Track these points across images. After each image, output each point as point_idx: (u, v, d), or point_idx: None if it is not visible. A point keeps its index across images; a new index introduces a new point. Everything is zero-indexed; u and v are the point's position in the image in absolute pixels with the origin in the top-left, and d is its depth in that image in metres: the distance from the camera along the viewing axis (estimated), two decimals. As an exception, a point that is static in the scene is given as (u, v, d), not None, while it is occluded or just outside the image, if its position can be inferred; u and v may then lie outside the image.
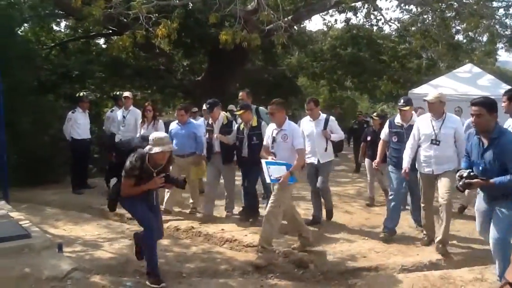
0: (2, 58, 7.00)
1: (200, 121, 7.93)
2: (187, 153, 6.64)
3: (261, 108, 6.90)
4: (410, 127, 5.46)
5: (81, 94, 9.10)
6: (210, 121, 6.58)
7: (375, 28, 18.21)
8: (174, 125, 6.93)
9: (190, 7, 12.79)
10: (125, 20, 10.22)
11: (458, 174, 3.95)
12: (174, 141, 6.51)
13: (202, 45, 14.72)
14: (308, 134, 6.08)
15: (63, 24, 16.65)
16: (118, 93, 8.88)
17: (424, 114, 5.57)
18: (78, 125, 8.41)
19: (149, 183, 4.15)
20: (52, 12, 13.62)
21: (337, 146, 6.72)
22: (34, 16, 11.74)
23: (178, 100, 18.90)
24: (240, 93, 7.00)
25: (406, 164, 5.25)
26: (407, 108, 5.68)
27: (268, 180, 5.10)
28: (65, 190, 8.39)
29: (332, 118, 6.24)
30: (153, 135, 4.15)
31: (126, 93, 8.51)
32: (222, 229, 6.01)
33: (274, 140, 5.26)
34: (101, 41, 17.64)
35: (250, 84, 18.28)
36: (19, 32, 11.06)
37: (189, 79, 15.83)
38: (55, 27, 16.45)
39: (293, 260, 5.00)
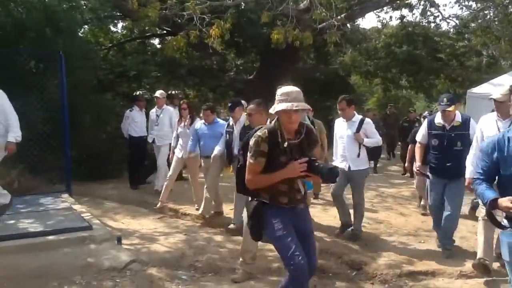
0: (65, 59, 7.33)
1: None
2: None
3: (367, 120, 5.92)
4: (454, 128, 4.86)
5: (138, 93, 9.40)
6: (231, 122, 6.09)
7: (432, 25, 17.63)
8: (199, 125, 6.67)
9: (243, 7, 12.89)
10: (179, 20, 10.48)
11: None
12: (201, 142, 6.55)
13: (254, 44, 14.81)
14: (340, 136, 5.62)
15: (120, 25, 17.23)
16: (138, 93, 9.05)
17: (488, 114, 4.90)
18: (135, 123, 8.70)
19: (286, 168, 2.94)
20: (110, 14, 14.13)
21: (373, 153, 5.71)
22: (94, 18, 12.20)
23: (229, 99, 19.14)
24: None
25: (469, 174, 4.41)
26: (451, 108, 4.88)
27: None
28: (123, 185, 8.71)
29: (368, 120, 5.58)
30: (280, 90, 3.16)
31: (157, 93, 8.46)
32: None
33: None
34: (156, 41, 18.13)
35: (301, 83, 18.22)
36: (79, 33, 11.54)
37: (241, 78, 15.95)
38: (112, 28, 17.06)
39: (346, 261, 4.96)
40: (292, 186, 3.06)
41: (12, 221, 5.20)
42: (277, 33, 8.87)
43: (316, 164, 2.93)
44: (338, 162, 5.51)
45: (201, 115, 7.19)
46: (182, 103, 7.32)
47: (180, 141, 7.03)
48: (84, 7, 11.21)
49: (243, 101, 6.60)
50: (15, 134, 5.00)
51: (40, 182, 7.67)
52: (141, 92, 10.19)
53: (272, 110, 3.08)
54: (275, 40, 8.92)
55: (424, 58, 18.10)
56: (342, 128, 5.62)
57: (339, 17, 11.00)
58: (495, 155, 2.79)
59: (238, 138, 5.53)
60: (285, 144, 2.98)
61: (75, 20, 9.93)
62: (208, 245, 5.36)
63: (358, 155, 5.44)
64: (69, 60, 7.71)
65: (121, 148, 9.67)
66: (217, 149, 6.15)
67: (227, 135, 6.03)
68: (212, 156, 6.17)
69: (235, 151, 5.62)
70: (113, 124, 10.23)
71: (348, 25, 13.90)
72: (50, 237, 4.72)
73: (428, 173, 5.20)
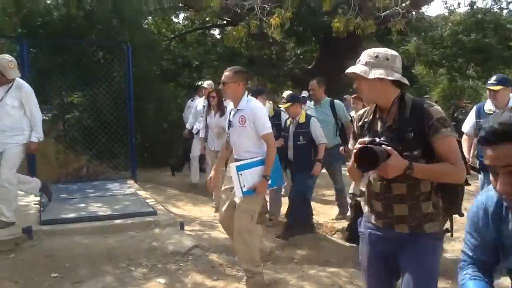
0: (131, 50, 7.58)
1: None
2: None
3: (336, 101, 5.97)
4: None
5: (200, 83, 9.54)
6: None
7: (504, 11, 16.61)
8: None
9: (303, -4, 12.75)
10: (240, 10, 10.55)
11: None
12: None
13: (314, 33, 14.63)
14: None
15: (181, 16, 17.60)
16: (200, 83, 9.12)
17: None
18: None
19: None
20: (173, 5, 14.46)
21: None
22: (158, 9, 12.53)
23: (287, 88, 19.08)
24: (311, 82, 5.97)
25: None
26: (498, 87, 4.11)
27: (238, 194, 3.60)
28: (183, 173, 8.92)
29: (338, 102, 5.93)
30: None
31: (205, 84, 8.16)
32: (333, 219, 5.99)
33: (230, 124, 3.84)
34: (216, 32, 18.36)
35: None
36: (144, 24, 11.90)
37: (300, 68, 15.84)
38: (174, 19, 17.46)
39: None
40: None
41: (83, 205, 5.49)
42: (338, 21, 8.74)
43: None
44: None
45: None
46: (211, 90, 6.66)
47: (210, 132, 6.57)
48: (149, -2, 11.53)
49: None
50: (38, 135, 4.86)
51: (107, 168, 8.05)
52: (203, 82, 10.33)
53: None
54: (336, 28, 8.79)
55: (494, 46, 17.14)
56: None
57: (403, 4, 10.63)
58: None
59: (292, 137, 5.42)
60: None
61: (140, 11, 10.26)
62: (268, 234, 5.39)
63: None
64: (134, 50, 7.97)
65: (182, 137, 9.92)
66: None
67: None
68: None
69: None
70: (175, 114, 10.52)
71: (413, 12, 13.35)
72: (118, 221, 4.95)
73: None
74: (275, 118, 5.74)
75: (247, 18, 10.10)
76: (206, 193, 7.56)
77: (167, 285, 3.84)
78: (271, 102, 6.25)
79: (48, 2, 9.50)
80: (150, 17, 14.21)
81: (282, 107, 5.53)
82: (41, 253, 4.24)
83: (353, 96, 6.37)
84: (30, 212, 5.39)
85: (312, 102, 6.12)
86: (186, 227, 5.18)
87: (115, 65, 8.24)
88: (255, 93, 5.81)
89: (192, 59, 13.51)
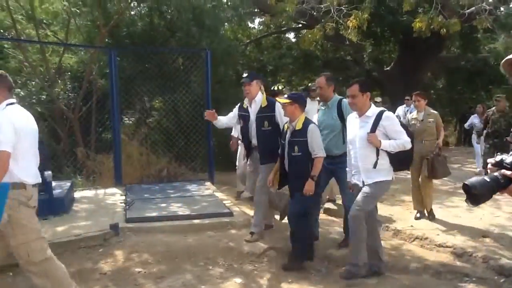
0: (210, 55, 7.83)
1: (400, 109, 7.80)
2: None
3: (346, 101, 4.67)
4: None
5: (276, 88, 9.62)
6: (245, 104, 5.02)
7: None
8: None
9: (381, -5, 12.45)
10: (316, 13, 10.50)
11: None
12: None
13: (393, 33, 14.21)
14: (350, 139, 4.17)
15: (256, 21, 17.87)
16: (276, 87, 9.12)
17: None
18: None
19: None
20: (249, 11, 14.73)
21: (399, 160, 4.03)
22: (235, 15, 12.83)
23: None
24: (318, 79, 5.03)
25: None
26: None
27: None
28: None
29: (388, 114, 3.98)
30: None
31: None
32: (412, 226, 5.77)
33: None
34: (291, 35, 18.42)
35: (444, 72, 17.01)
36: (222, 31, 12.23)
37: (378, 69, 15.45)
38: (250, 24, 17.78)
39: (493, 266, 4.52)
40: None
41: (164, 204, 5.76)
42: (419, 21, 8.40)
43: None
44: (350, 174, 4.25)
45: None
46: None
47: None
48: (226, 5, 11.85)
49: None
50: None
51: (186, 170, 8.37)
52: (280, 87, 10.41)
53: None
54: (418, 28, 8.44)
55: None
56: (353, 127, 4.13)
57: (490, 0, 10.00)
58: None
59: (286, 146, 4.39)
60: None
61: (218, 18, 10.57)
62: (342, 238, 5.31)
63: (375, 165, 3.95)
64: (213, 56, 8.22)
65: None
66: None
67: (241, 121, 5.10)
68: None
69: (253, 140, 4.91)
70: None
71: (502, 8, 12.55)
72: (196, 221, 5.14)
73: None
74: (267, 110, 4.81)
75: (323, 20, 10.03)
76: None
77: (243, 285, 3.93)
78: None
79: (133, 13, 10.08)
80: (226, 23, 14.61)
81: (279, 101, 4.54)
82: (126, 249, 4.52)
83: (415, 93, 6.07)
84: (117, 210, 5.74)
85: (321, 102, 5.11)
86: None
87: (194, 71, 8.56)
88: (251, 77, 4.94)
89: (267, 63, 13.66)
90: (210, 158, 7.81)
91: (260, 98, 4.86)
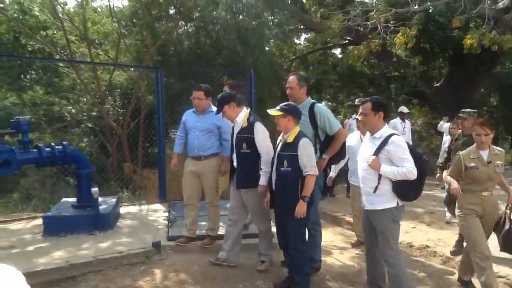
0: (254, 73, 7.87)
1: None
2: (206, 154, 4.96)
3: (319, 105, 4.43)
4: None
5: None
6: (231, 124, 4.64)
7: None
8: (189, 114, 5.18)
9: (431, 11, 12.14)
10: (362, 30, 10.39)
11: None
12: (189, 136, 5.12)
13: (443, 49, 13.81)
14: (358, 158, 3.95)
15: (303, 37, 17.88)
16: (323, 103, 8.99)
17: None
18: None
19: None
20: (295, 28, 14.78)
21: (402, 190, 3.63)
22: (280, 32, 12.90)
23: (413, 107, 18.22)
24: (289, 79, 4.51)
25: None
26: None
27: None
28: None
29: (394, 139, 3.59)
30: None
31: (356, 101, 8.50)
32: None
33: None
34: (337, 51, 18.30)
35: (498, 89, 16.33)
36: (266, 48, 12.32)
37: (427, 86, 15.02)
38: (295, 41, 17.81)
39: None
40: None
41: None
42: (470, 37, 8.10)
43: None
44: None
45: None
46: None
47: None
48: (271, 23, 11.93)
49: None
50: None
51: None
52: (325, 102, 10.27)
53: None
54: (468, 45, 8.13)
55: None
56: (363, 146, 3.95)
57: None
58: None
59: (276, 161, 4.05)
60: None
61: (263, 36, 10.65)
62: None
63: (375, 190, 3.66)
64: (257, 73, 8.27)
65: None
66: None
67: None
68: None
69: (234, 162, 4.48)
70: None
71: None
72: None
73: None
74: (246, 131, 4.33)
75: (369, 36, 9.90)
76: (324, 217, 7.48)
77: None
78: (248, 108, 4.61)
79: (180, 32, 10.34)
80: (272, 40, 14.72)
81: (270, 113, 4.03)
82: (167, 267, 4.55)
83: (479, 121, 4.11)
84: (160, 227, 5.81)
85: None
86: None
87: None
88: (223, 100, 4.43)
89: (312, 79, 13.60)
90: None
91: (241, 118, 4.38)
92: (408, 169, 3.51)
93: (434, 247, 5.55)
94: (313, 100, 4.44)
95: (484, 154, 4.01)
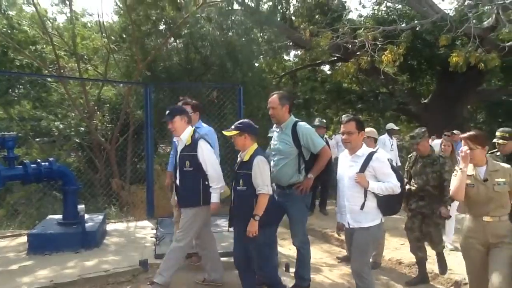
0: (243, 89, 7.89)
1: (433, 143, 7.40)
2: None
3: (301, 124, 4.36)
4: None
5: (316, 122, 9.38)
6: (175, 139, 4.56)
7: None
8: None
9: (418, 29, 12.35)
10: (350, 47, 10.51)
11: None
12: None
13: (430, 66, 14.02)
14: (339, 178, 3.91)
15: (292, 54, 18.02)
16: (317, 120, 9.05)
17: None
18: None
19: None
20: (283, 45, 14.91)
21: (387, 204, 3.73)
22: (269, 49, 12.99)
23: (401, 123, 18.36)
24: (270, 99, 4.41)
25: None
26: None
27: None
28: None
29: (378, 156, 3.68)
30: None
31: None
32: (450, 269, 5.47)
33: None
34: (326, 68, 18.47)
35: (485, 106, 16.57)
36: (255, 64, 12.38)
37: (415, 102, 15.19)
38: (285, 57, 17.94)
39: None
40: None
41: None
42: (456, 56, 8.24)
43: None
44: (339, 215, 3.96)
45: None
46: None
47: None
48: (260, 39, 12.01)
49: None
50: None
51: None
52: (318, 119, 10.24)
53: None
54: (454, 63, 8.26)
55: None
56: (343, 165, 3.88)
57: (532, 33, 9.73)
58: None
59: (234, 179, 4.00)
60: None
61: (252, 53, 10.72)
62: (377, 283, 5.09)
63: (362, 206, 3.68)
64: (246, 89, 8.29)
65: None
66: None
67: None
68: None
69: (177, 180, 4.43)
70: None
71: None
72: (225, 258, 5.03)
73: None
74: (190, 148, 4.27)
75: (358, 54, 10.02)
76: (313, 233, 7.45)
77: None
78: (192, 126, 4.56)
79: (169, 48, 10.36)
80: (261, 56, 14.82)
81: (225, 133, 3.99)
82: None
83: (467, 135, 3.53)
84: (147, 245, 5.73)
85: (274, 125, 4.52)
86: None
87: (228, 104, 8.64)
88: (172, 113, 4.34)
89: (300, 96, 13.70)
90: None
91: (186, 136, 4.30)
92: (395, 184, 3.61)
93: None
94: (296, 119, 4.39)
95: (481, 170, 3.51)
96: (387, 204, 3.69)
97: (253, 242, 3.83)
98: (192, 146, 4.21)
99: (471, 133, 3.51)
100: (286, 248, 6.55)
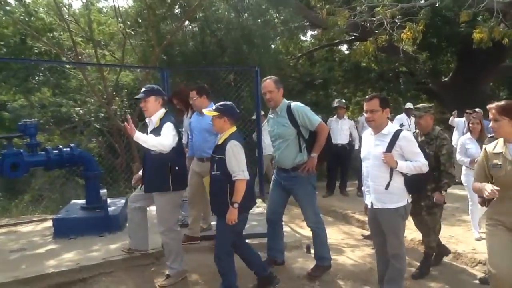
0: (260, 70, 7.83)
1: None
2: (208, 156, 4.65)
3: (295, 104, 4.37)
4: None
5: (336, 103, 9.24)
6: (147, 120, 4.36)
7: None
8: (194, 115, 5.22)
9: (437, 5, 12.03)
10: (368, 26, 10.31)
11: None
12: (193, 138, 5.17)
13: (451, 44, 13.68)
14: (363, 156, 3.84)
15: (308, 34, 17.77)
16: (336, 101, 8.97)
17: None
18: (331, 130, 8.59)
19: None
20: (300, 25, 14.71)
21: (413, 183, 3.65)
22: (285, 30, 12.85)
23: (421, 102, 18.06)
24: (264, 83, 4.44)
25: None
26: None
27: None
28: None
29: (405, 134, 3.59)
30: None
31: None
32: (473, 249, 5.42)
33: None
34: (344, 47, 18.20)
35: (508, 82, 16.18)
36: (272, 46, 12.27)
37: (435, 81, 14.89)
38: (301, 38, 17.70)
39: None
40: None
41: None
42: (479, 32, 7.99)
43: None
44: (366, 195, 3.89)
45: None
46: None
47: None
48: (276, 20, 11.87)
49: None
50: None
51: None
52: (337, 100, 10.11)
53: None
54: (478, 40, 8.02)
55: None
56: (368, 144, 3.79)
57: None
58: None
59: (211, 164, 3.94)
60: None
61: (268, 34, 10.61)
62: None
63: (387, 186, 3.61)
64: (262, 71, 8.23)
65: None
66: None
67: None
68: None
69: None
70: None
71: None
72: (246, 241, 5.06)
73: None
74: (157, 130, 4.18)
75: (376, 32, 9.82)
76: (334, 214, 7.46)
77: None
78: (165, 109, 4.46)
79: (185, 31, 10.33)
80: (278, 38, 14.66)
81: (206, 113, 3.92)
82: (176, 269, 4.53)
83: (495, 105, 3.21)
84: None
85: (270, 110, 4.56)
86: (312, 250, 5.11)
87: (245, 87, 8.61)
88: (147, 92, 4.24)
89: (318, 76, 13.56)
90: (261, 173, 7.76)
91: (156, 118, 4.18)
92: (423, 163, 3.55)
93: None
94: (288, 101, 4.40)
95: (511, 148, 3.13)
96: (414, 183, 3.63)
97: (219, 229, 3.78)
98: (160, 128, 4.08)
99: (499, 103, 3.18)
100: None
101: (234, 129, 3.80)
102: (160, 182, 4.11)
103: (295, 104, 4.31)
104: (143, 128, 4.40)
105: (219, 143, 3.77)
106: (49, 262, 4.60)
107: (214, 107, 3.85)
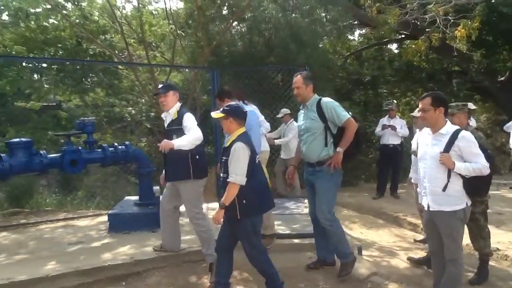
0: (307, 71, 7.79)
1: None
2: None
3: (325, 99, 4.35)
4: None
5: (386, 107, 9.03)
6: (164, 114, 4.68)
7: None
8: None
9: (493, 1, 11.55)
10: (420, 24, 10.03)
11: None
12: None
13: (507, 41, 13.09)
14: (420, 156, 3.72)
15: (357, 33, 17.47)
16: (386, 102, 8.72)
17: None
18: (383, 132, 8.43)
19: None
20: (348, 24, 14.50)
21: (473, 186, 3.49)
22: (334, 28, 12.70)
23: (475, 103, 17.39)
24: (294, 79, 4.48)
25: None
26: None
27: None
28: (360, 194, 8.76)
29: (464, 134, 3.44)
30: None
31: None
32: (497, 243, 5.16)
33: None
34: (394, 46, 17.77)
35: None
36: (320, 45, 12.15)
37: (490, 80, 14.27)
38: (349, 37, 17.41)
39: None
40: None
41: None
42: (539, 27, 7.58)
43: None
44: (421, 196, 3.77)
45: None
46: None
47: None
48: (324, 19, 11.76)
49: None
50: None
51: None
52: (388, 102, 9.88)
53: None
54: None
55: None
56: (425, 144, 3.67)
57: None
58: None
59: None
60: None
61: (316, 33, 10.52)
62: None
63: (444, 188, 3.48)
64: (310, 71, 8.17)
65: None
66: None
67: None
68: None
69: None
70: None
71: None
72: (296, 240, 5.07)
73: None
74: (175, 122, 4.42)
75: (427, 30, 9.53)
76: (384, 217, 7.31)
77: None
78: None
79: (233, 32, 10.42)
80: (325, 37, 14.50)
81: (213, 116, 3.90)
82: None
83: None
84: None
85: (301, 104, 4.60)
86: (363, 252, 5.03)
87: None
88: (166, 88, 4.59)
89: (366, 75, 13.31)
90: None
91: (173, 111, 4.46)
92: (483, 165, 3.39)
93: (505, 250, 5.25)
94: (319, 96, 4.40)
95: None
96: (473, 185, 3.47)
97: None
98: (179, 119, 4.34)
99: None
100: (357, 232, 6.49)
101: (242, 130, 3.77)
102: (181, 171, 4.34)
103: (325, 99, 4.34)
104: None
105: (226, 145, 3.78)
106: (105, 255, 4.76)
107: (221, 109, 3.88)
